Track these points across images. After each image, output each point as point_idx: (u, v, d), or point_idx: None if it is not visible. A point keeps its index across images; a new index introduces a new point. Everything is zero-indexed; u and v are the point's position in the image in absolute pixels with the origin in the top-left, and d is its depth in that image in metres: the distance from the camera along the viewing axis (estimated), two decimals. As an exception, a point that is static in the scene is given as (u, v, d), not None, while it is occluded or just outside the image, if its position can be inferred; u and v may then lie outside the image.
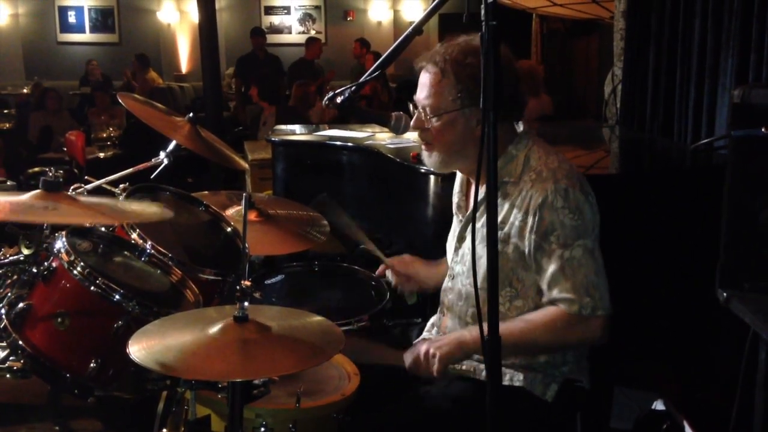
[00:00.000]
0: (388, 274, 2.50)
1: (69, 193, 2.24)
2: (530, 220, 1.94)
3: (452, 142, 2.04)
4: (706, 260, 2.20)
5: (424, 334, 2.33)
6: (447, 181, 2.92)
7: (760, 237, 1.54)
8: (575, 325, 1.93)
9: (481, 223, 1.99)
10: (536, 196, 1.93)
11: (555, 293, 1.94)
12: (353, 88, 2.03)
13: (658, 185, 2.91)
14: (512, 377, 2.04)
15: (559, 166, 1.98)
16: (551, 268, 1.93)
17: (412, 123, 2.10)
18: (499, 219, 1.99)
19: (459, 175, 2.29)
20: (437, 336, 2.07)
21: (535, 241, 1.94)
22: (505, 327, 1.95)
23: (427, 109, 2.04)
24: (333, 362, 2.19)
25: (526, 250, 1.97)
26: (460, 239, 2.19)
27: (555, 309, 1.94)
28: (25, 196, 1.83)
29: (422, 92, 2.05)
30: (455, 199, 2.28)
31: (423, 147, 2.13)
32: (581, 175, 2.01)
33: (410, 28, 1.94)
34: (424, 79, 2.05)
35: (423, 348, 1.99)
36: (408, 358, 2.03)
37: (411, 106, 2.12)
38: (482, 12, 1.44)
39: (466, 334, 1.98)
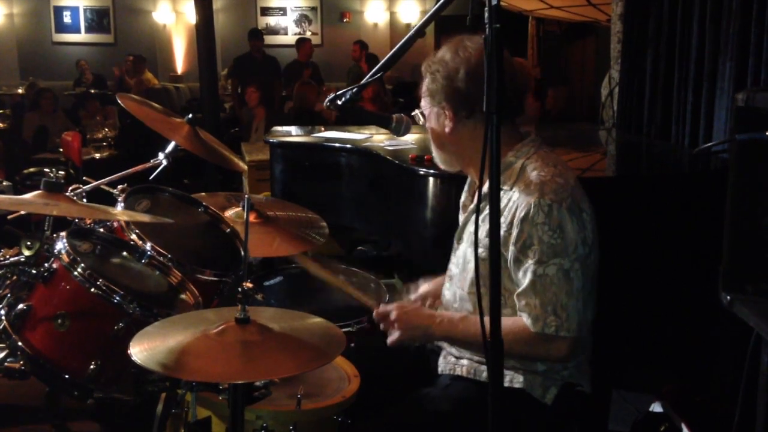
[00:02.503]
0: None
1: (68, 194, 2.25)
2: (513, 231, 1.94)
3: (433, 138, 2.15)
4: (703, 263, 2.21)
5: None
6: (446, 183, 2.92)
7: (764, 240, 1.55)
8: (538, 342, 1.92)
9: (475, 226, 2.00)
10: (521, 208, 1.93)
11: (522, 305, 1.94)
12: (354, 89, 2.03)
13: (655, 188, 2.91)
14: (512, 379, 2.04)
15: (551, 179, 1.95)
16: (523, 282, 1.93)
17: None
18: (489, 226, 1.99)
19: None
20: (415, 306, 2.18)
21: (514, 254, 1.94)
22: (473, 322, 2.00)
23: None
24: (333, 364, 2.19)
25: (509, 259, 1.97)
26: (458, 239, 2.20)
27: (523, 322, 1.94)
28: (26, 196, 1.83)
29: None
30: (462, 197, 2.29)
31: None
32: (576, 191, 1.98)
33: (412, 31, 1.94)
34: None
35: (393, 314, 2.08)
36: (380, 310, 2.13)
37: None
38: (485, 14, 1.43)
39: (435, 329, 2.05)
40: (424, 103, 2.12)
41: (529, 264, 1.91)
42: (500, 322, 1.48)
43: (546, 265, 1.90)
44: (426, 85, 2.09)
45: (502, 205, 1.97)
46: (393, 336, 2.07)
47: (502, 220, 1.96)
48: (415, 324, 2.06)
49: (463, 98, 2.00)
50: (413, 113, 2.20)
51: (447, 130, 2.07)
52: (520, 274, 1.94)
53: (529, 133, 2.11)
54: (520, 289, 1.94)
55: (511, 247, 1.94)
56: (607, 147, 4.26)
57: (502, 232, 1.94)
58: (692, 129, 3.50)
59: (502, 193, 1.99)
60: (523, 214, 1.92)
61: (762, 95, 1.48)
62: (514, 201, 1.96)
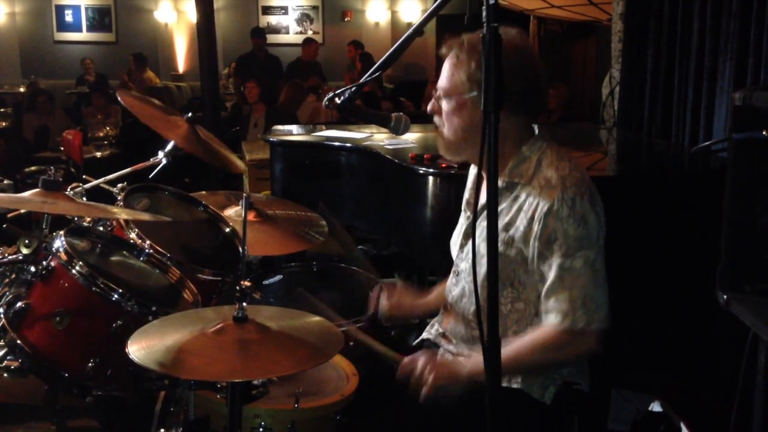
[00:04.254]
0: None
1: (67, 192, 2.25)
2: (535, 227, 1.93)
3: (458, 127, 2.04)
4: (704, 263, 2.20)
5: (424, 335, 2.33)
6: (446, 182, 2.92)
7: (761, 239, 1.55)
8: (569, 340, 1.92)
9: (486, 222, 1.99)
10: (543, 203, 1.92)
11: (551, 303, 1.93)
12: (353, 88, 2.03)
13: (655, 188, 2.91)
14: (510, 379, 2.04)
15: (570, 173, 1.95)
16: (550, 276, 1.92)
17: (429, 107, 2.11)
18: (506, 220, 1.98)
19: (472, 172, 2.29)
20: (440, 356, 2.03)
21: (538, 249, 1.93)
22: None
23: (441, 92, 2.05)
24: (332, 363, 2.19)
25: (530, 257, 1.96)
26: (467, 236, 2.18)
27: (548, 328, 1.93)
28: (24, 194, 1.83)
29: (441, 77, 2.07)
30: (466, 195, 2.28)
31: (437, 134, 2.12)
32: (591, 184, 1.99)
33: (411, 29, 1.93)
34: (445, 65, 2.06)
35: (420, 365, 1.96)
36: (405, 365, 2.00)
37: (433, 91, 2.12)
38: (483, 13, 1.43)
39: (463, 374, 1.95)
40: (458, 87, 2.00)
41: (555, 258, 1.91)
42: (498, 321, 1.48)
43: (573, 258, 1.90)
44: (467, 70, 1.98)
45: (521, 199, 1.98)
46: (423, 391, 1.93)
47: (522, 215, 1.96)
48: (445, 373, 1.95)
49: (517, 95, 1.93)
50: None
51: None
52: (545, 268, 1.93)
53: (537, 128, 2.11)
54: (546, 286, 1.93)
55: (534, 243, 1.93)
56: (607, 146, 4.25)
57: (522, 228, 1.95)
58: (692, 128, 3.49)
59: (519, 186, 2.00)
60: (546, 208, 1.91)
61: (759, 94, 1.48)
62: (535, 196, 1.95)
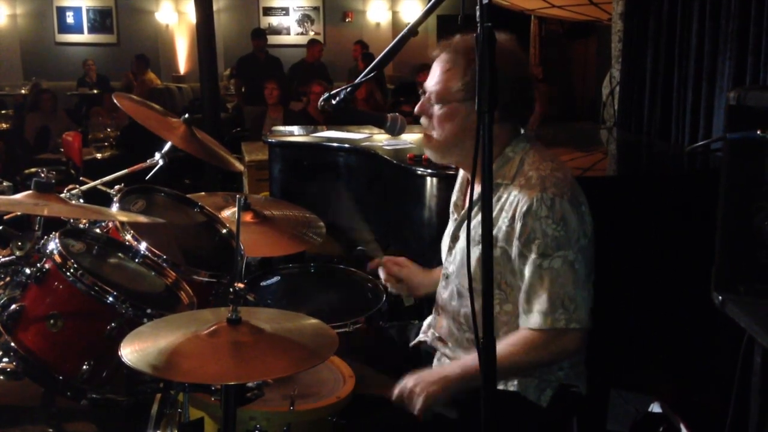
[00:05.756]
0: (380, 271, 2.48)
1: (63, 194, 2.24)
2: (516, 226, 1.93)
3: (451, 133, 2.03)
4: (702, 263, 2.20)
5: (420, 336, 2.33)
6: (444, 182, 2.92)
7: (756, 240, 1.54)
8: (550, 341, 1.91)
9: (474, 222, 1.99)
10: (522, 202, 1.92)
11: (530, 304, 1.92)
12: (349, 89, 2.02)
13: (655, 188, 2.90)
14: (506, 381, 2.03)
15: (551, 173, 1.95)
16: (528, 276, 1.92)
17: (416, 108, 2.10)
18: (482, 223, 1.98)
19: (460, 174, 2.29)
20: (427, 371, 2.00)
21: (518, 248, 1.93)
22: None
23: (432, 96, 2.04)
24: (328, 364, 2.18)
25: (512, 255, 1.96)
26: (454, 239, 2.18)
27: (528, 331, 1.92)
28: (17, 196, 1.83)
29: (431, 79, 2.05)
30: (453, 197, 2.28)
31: (423, 135, 2.11)
32: (575, 185, 1.99)
33: (405, 29, 1.93)
34: (435, 66, 2.05)
35: (410, 383, 1.94)
36: (396, 390, 1.97)
37: (420, 91, 2.11)
38: (477, 13, 1.42)
39: (450, 374, 1.94)
40: (453, 95, 1.99)
41: (534, 258, 1.91)
42: (493, 321, 1.47)
43: (551, 258, 1.89)
44: (463, 78, 1.98)
45: (503, 199, 1.98)
46: (418, 405, 1.90)
47: (504, 215, 1.96)
48: (432, 379, 1.93)
49: (509, 100, 1.93)
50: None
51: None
52: (525, 269, 1.93)
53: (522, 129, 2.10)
54: (525, 286, 1.93)
55: (515, 242, 1.94)
56: (607, 146, 4.25)
57: (504, 227, 1.95)
58: (692, 128, 3.49)
59: (502, 187, 1.99)
60: (525, 208, 1.91)
61: (753, 94, 1.47)
62: (515, 195, 1.95)
